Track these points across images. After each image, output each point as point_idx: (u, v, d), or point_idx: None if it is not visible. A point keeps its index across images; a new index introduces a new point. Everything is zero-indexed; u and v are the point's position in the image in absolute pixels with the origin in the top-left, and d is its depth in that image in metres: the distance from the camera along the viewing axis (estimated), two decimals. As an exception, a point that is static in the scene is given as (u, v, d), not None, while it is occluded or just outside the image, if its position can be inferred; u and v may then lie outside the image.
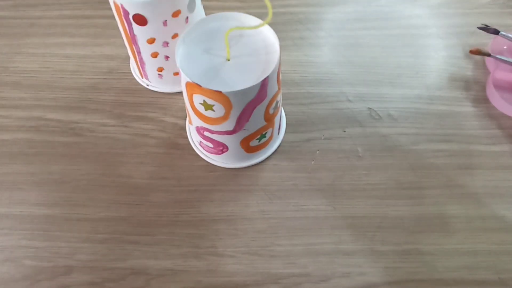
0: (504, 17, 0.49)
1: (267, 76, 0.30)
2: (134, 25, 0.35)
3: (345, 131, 0.41)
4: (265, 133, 0.36)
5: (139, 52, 0.39)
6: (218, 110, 0.31)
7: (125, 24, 0.36)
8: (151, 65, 0.40)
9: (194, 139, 0.40)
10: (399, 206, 0.37)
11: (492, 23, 0.45)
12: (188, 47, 0.32)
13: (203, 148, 0.39)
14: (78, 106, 0.43)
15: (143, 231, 0.36)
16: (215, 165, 0.39)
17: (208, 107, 0.31)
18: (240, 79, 0.30)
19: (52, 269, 0.35)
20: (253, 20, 0.32)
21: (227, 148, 0.36)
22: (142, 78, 0.43)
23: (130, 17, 0.34)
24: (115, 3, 0.34)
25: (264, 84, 0.30)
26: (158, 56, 0.39)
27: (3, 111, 0.43)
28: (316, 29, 0.49)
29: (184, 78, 0.31)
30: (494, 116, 0.42)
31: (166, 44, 0.37)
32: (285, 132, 0.41)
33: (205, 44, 0.32)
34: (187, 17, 0.36)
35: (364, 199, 0.38)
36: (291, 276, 0.34)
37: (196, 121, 0.34)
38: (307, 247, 0.36)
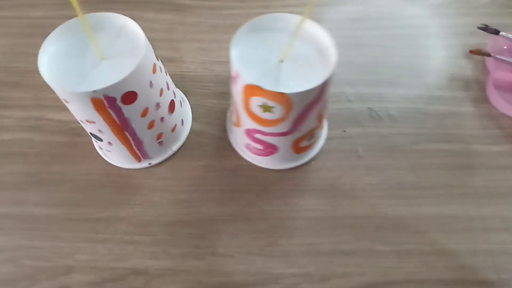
0: (504, 17, 0.49)
1: (329, 77, 0.29)
2: (124, 107, 0.31)
3: (345, 131, 0.41)
4: (315, 133, 0.36)
5: (134, 134, 0.34)
6: (278, 112, 0.30)
7: (112, 114, 0.31)
8: (150, 139, 0.36)
9: (239, 141, 0.39)
10: (399, 206, 0.37)
11: (492, 23, 0.45)
12: (241, 50, 0.31)
13: (249, 150, 0.38)
14: (78, 106, 0.43)
15: (143, 231, 0.36)
16: (261, 167, 0.39)
17: (267, 109, 0.30)
18: (299, 80, 0.29)
19: (52, 269, 0.35)
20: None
21: (277, 150, 0.36)
22: (140, 161, 0.38)
23: (118, 101, 0.30)
24: (94, 99, 0.29)
25: (325, 84, 0.29)
26: (155, 124, 0.35)
27: (3, 111, 0.43)
28: (316, 29, 0.49)
29: (242, 81, 0.30)
30: (494, 116, 0.42)
31: (158, 105, 0.34)
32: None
33: (257, 46, 0.31)
34: (157, 65, 0.33)
35: (364, 199, 0.38)
36: (291, 276, 0.34)
37: (248, 124, 0.34)
38: (307, 247, 0.36)
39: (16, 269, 0.35)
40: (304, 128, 0.33)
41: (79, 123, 0.42)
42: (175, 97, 0.37)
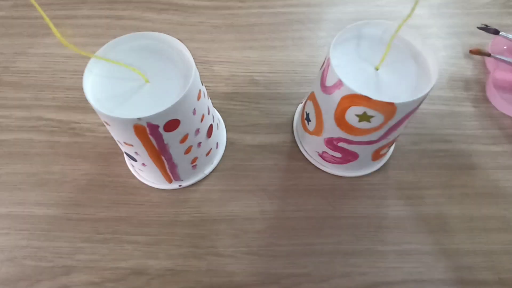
0: (504, 17, 0.49)
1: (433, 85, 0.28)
2: (165, 134, 0.30)
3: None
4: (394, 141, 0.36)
5: (169, 159, 0.33)
6: (376, 121, 0.30)
7: (152, 140, 0.30)
8: (184, 163, 0.35)
9: (312, 149, 0.38)
10: (399, 206, 0.37)
11: (492, 23, 0.45)
12: (339, 60, 0.30)
13: (323, 158, 0.38)
14: (78, 106, 0.43)
15: (143, 231, 0.36)
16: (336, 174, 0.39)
17: (365, 118, 0.29)
18: (399, 89, 0.29)
19: (52, 269, 0.35)
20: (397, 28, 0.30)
21: (356, 158, 0.35)
22: (171, 182, 0.38)
23: (160, 129, 0.29)
24: (136, 126, 0.28)
25: (429, 92, 0.29)
26: (192, 149, 0.34)
27: (3, 111, 0.43)
28: (316, 29, 0.49)
29: (345, 91, 0.29)
30: (494, 116, 0.42)
31: (198, 131, 0.33)
32: (287, 131, 0.41)
33: (351, 54, 0.31)
34: (201, 91, 0.32)
35: (364, 199, 0.38)
36: (291, 276, 0.34)
37: (334, 133, 0.33)
38: (307, 247, 0.36)
39: (16, 269, 0.35)
40: (392, 136, 0.33)
41: (79, 123, 0.42)
42: (213, 120, 0.36)
